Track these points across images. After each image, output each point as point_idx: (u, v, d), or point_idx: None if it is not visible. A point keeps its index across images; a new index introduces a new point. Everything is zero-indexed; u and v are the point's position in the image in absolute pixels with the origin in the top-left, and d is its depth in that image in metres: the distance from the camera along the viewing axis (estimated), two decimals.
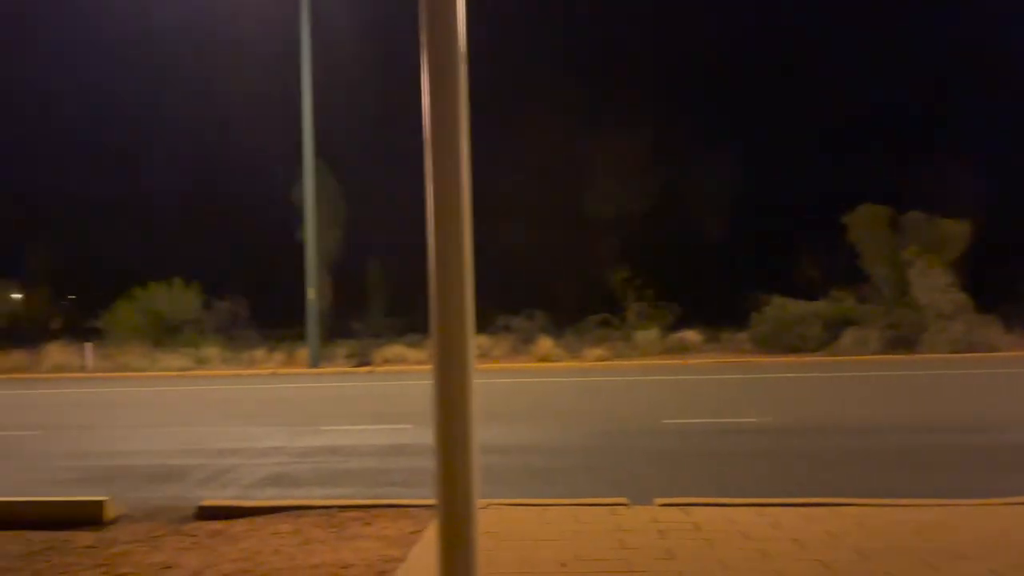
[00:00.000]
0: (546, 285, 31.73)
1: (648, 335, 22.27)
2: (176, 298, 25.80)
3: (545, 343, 21.30)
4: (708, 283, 29.17)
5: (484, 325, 23.97)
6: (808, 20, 33.50)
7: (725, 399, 12.51)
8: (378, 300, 36.37)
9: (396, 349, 22.49)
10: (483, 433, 8.86)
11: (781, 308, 21.51)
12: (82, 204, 39.60)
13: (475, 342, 2.34)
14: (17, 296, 30.35)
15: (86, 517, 5.28)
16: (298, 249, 22.98)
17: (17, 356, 23.54)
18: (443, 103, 2.28)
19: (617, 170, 30.76)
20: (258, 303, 30.04)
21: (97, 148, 40.01)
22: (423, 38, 2.29)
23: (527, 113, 32.72)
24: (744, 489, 5.73)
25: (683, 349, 21.89)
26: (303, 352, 21.84)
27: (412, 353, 22.14)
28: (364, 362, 21.42)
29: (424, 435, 9.05)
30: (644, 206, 31.21)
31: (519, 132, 33.26)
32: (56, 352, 23.31)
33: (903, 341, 20.07)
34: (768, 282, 23.93)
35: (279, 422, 10.61)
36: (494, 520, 4.90)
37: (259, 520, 5.23)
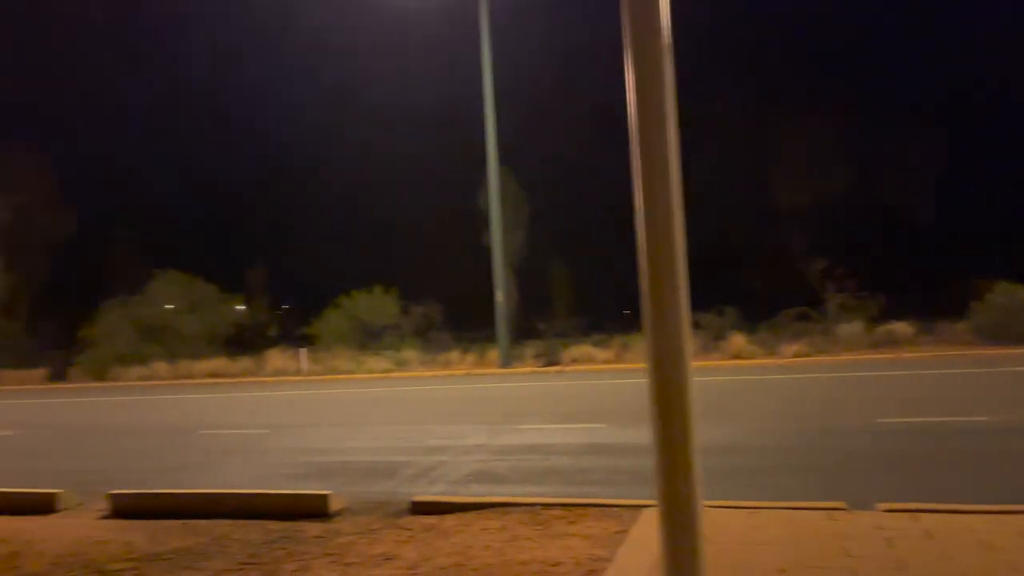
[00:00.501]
0: (736, 279, 30.61)
1: (852, 328, 20.80)
2: (377, 305, 27.49)
3: (738, 340, 20.50)
4: (916, 270, 26.86)
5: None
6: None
7: (948, 396, 11.42)
8: (562, 300, 36.85)
9: (583, 349, 22.60)
10: None
11: (1007, 294, 19.33)
12: (287, 221, 43.27)
13: (691, 339, 2.26)
14: (240, 307, 33.61)
15: (313, 509, 5.72)
16: (485, 252, 23.73)
17: (244, 362, 26.11)
18: (649, 95, 2.23)
19: (809, 155, 29.08)
20: (450, 307, 31.39)
21: (296, 168, 43.52)
22: (626, 29, 2.25)
23: (712, 102, 31.76)
24: (977, 495, 5.17)
25: (892, 342, 20.25)
26: (493, 353, 22.50)
27: (599, 353, 22.15)
28: (552, 362, 21.71)
29: (618, 435, 9.00)
30: (840, 191, 29.26)
31: (705, 122, 32.33)
32: (275, 357, 25.61)
33: None
34: (990, 266, 21.61)
35: (477, 421, 10.98)
36: (708, 522, 4.75)
37: (468, 516, 5.42)
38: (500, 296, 21.78)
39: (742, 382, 15.01)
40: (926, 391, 12.16)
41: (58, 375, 27.65)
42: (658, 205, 2.22)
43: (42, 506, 6.23)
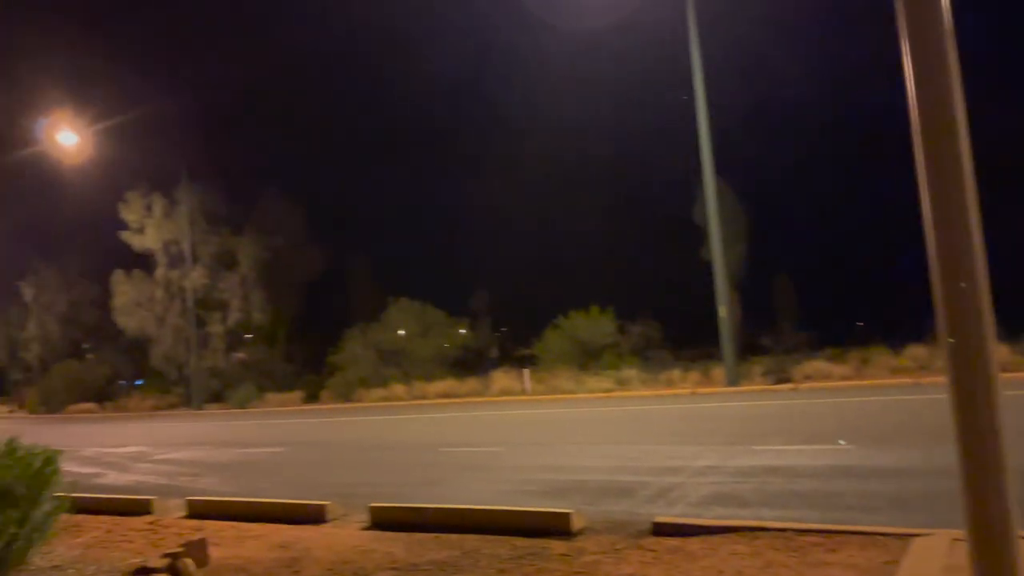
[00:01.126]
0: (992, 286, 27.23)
1: None
2: (594, 324, 27.68)
3: (1000, 351, 18.19)
4: None
5: (917, 334, 21.43)
6: None
7: None
8: (788, 315, 34.98)
9: (816, 365, 21.22)
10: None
11: None
12: (504, 244, 44.91)
13: (996, 351, 2.03)
14: (464, 331, 35.31)
15: (555, 527, 5.81)
16: (702, 268, 23.12)
17: (471, 382, 27.36)
18: (931, 85, 2.05)
19: None
20: (668, 324, 30.92)
21: (510, 191, 45.04)
22: (901, 16, 2.09)
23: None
24: None
25: None
26: (718, 371, 21.78)
27: (835, 368, 20.68)
28: (783, 379, 20.59)
29: (869, 456, 8.32)
30: None
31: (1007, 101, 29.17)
32: (500, 378, 26.58)
33: None
34: None
35: (708, 441, 10.64)
36: None
37: (714, 539, 5.24)
38: (723, 311, 21.07)
39: (1009, 398, 13.31)
40: None
41: (312, 397, 30.58)
42: (950, 204, 2.02)
43: (314, 516, 6.87)
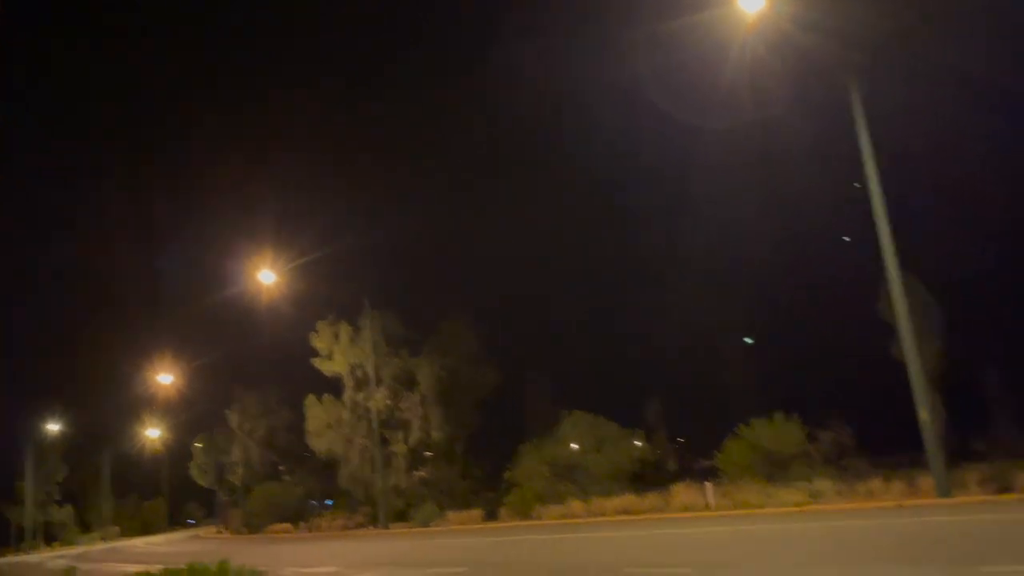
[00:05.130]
0: None
1: None
2: (779, 432, 26.11)
3: None
4: None
5: None
6: None
7: None
8: (1004, 415, 31.34)
9: None
10: None
11: None
12: (671, 352, 43.95)
13: None
14: (638, 443, 34.38)
15: None
16: (894, 366, 21.40)
17: (651, 498, 26.36)
18: None
19: None
20: (862, 429, 28.60)
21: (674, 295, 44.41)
22: None
23: None
24: None
25: None
26: (925, 480, 19.69)
27: None
28: (1005, 487, 18.27)
29: None
30: None
31: None
32: (681, 492, 25.42)
33: None
34: None
35: (925, 561, 9.55)
36: None
37: None
38: (924, 413, 19.28)
39: None
40: None
41: (491, 515, 30.61)
42: None
43: None
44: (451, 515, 31.80)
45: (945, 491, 18.51)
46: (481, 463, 38.83)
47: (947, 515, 15.28)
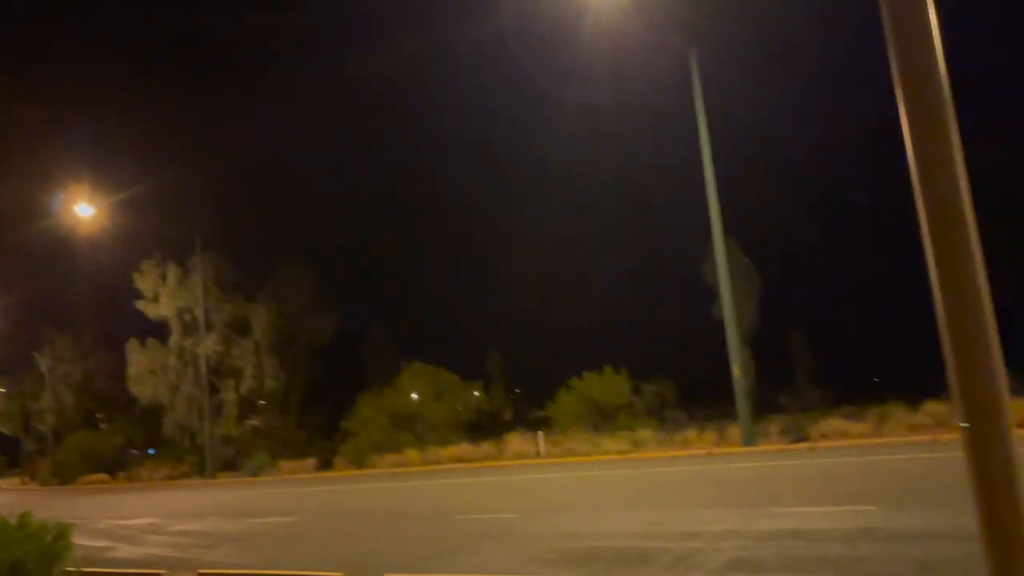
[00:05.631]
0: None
1: None
2: (608, 385, 27.46)
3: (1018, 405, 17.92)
4: None
5: (935, 390, 21.13)
6: None
7: None
8: (804, 372, 34.62)
9: (833, 423, 20.87)
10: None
11: None
12: (516, 307, 44.99)
13: (1009, 402, 2.02)
14: (477, 393, 35.03)
15: None
16: (714, 326, 23.02)
17: (486, 447, 27.04)
18: (928, 142, 2.09)
19: None
20: (682, 383, 30.66)
21: (518, 254, 45.38)
22: (897, 75, 2.14)
23: None
24: None
25: None
26: (734, 430, 21.46)
27: (853, 426, 20.34)
28: (799, 438, 20.27)
29: (895, 518, 8.14)
30: None
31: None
32: (514, 441, 26.25)
33: None
34: None
35: (727, 504, 10.45)
36: None
37: None
38: (737, 371, 20.89)
39: None
40: None
41: (325, 464, 30.28)
42: (954, 257, 2.04)
43: None
44: (284, 464, 31.17)
45: (750, 440, 20.24)
46: (318, 412, 38.15)
47: (749, 462, 16.76)
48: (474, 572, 6.74)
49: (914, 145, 2.12)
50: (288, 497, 19.98)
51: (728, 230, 21.97)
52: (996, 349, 2.02)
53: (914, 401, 20.81)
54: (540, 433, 25.52)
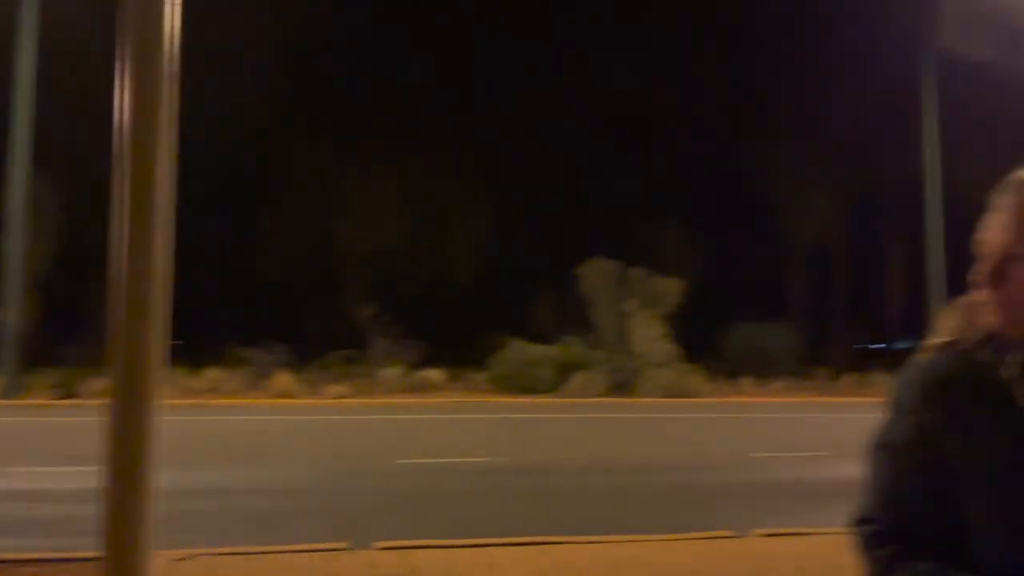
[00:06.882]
0: (290, 318, 30.63)
1: (391, 373, 22.16)
2: None
3: (283, 378, 20.37)
4: (454, 324, 29.91)
5: (216, 357, 22.46)
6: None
7: (459, 438, 12.77)
8: (93, 323, 32.77)
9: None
10: (202, 475, 8.23)
11: (518, 351, 22.49)
12: None
13: (162, 372, 2.15)
14: None
15: None
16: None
17: None
18: (144, 123, 2.11)
19: (371, 208, 30.80)
20: None
21: None
22: (123, 53, 2.11)
23: (284, 144, 31.84)
24: (469, 528, 5.81)
25: (425, 388, 22.04)
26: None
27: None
28: (70, 394, 19.09)
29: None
30: (395, 246, 31.49)
31: (274, 162, 32.29)
32: None
33: (622, 385, 21.87)
34: (508, 325, 25.02)
35: None
36: (200, 571, 4.54)
37: None
38: (9, 313, 18.56)
39: (281, 421, 14.93)
40: (440, 434, 13.46)
41: None
42: (142, 232, 2.09)
43: None
44: None
45: (11, 393, 18.19)
46: None
47: (3, 417, 15.06)
48: None
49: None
50: None
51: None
52: (163, 322, 2.12)
53: (200, 365, 21.66)
54: None
